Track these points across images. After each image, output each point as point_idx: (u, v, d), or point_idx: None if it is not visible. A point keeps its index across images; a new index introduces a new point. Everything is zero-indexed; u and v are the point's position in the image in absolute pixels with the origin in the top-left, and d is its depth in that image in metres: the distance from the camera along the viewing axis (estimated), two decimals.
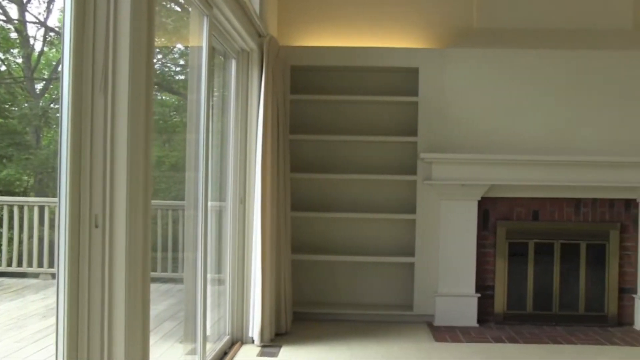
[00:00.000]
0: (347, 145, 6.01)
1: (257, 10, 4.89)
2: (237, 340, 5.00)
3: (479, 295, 5.70)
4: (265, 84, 4.90)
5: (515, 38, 5.86)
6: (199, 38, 3.86)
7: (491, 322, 5.77)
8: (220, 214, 4.86)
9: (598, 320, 5.78)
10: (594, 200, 5.79)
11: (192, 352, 4.04)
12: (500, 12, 5.93)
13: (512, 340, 5.26)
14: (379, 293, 6.00)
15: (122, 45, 2.32)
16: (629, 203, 5.79)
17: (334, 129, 6.00)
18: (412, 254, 5.82)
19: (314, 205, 6.01)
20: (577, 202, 5.79)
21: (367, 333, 5.37)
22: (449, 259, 5.69)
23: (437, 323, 5.67)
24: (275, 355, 4.73)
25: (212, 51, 4.05)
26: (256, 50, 4.98)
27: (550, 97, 5.77)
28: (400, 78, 5.98)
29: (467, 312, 5.67)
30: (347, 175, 5.87)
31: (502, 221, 5.76)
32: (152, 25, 2.49)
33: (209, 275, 4.64)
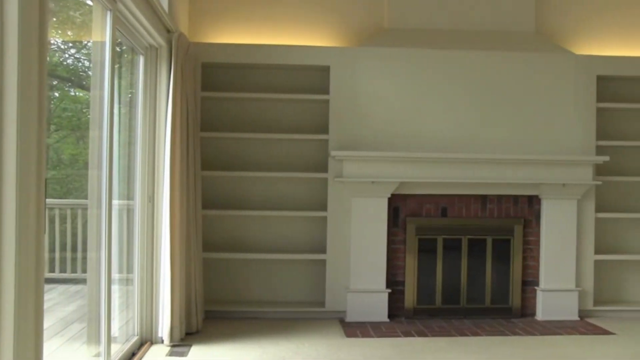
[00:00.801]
0: (260, 143, 6.00)
1: (166, 6, 4.82)
2: (147, 340, 4.91)
3: (389, 290, 5.79)
4: (174, 80, 4.83)
5: (425, 38, 5.98)
6: (102, 33, 3.77)
7: (402, 316, 5.88)
8: (128, 213, 4.76)
9: (503, 312, 5.97)
10: (500, 196, 5.98)
11: (98, 354, 3.94)
12: (411, 12, 6.05)
13: (421, 334, 5.38)
14: (292, 290, 6.02)
15: (9, 39, 2.23)
16: (532, 199, 6.01)
17: (247, 126, 5.97)
18: (323, 251, 5.87)
19: (227, 203, 5.97)
20: (484, 199, 5.97)
21: (279, 330, 5.38)
22: (360, 256, 5.76)
23: (348, 319, 5.73)
24: (185, 354, 4.67)
25: (116, 47, 3.95)
26: (165, 46, 4.90)
27: (457, 96, 5.93)
28: (312, 76, 6.01)
29: (378, 308, 5.75)
30: (260, 173, 5.86)
31: (412, 218, 5.88)
32: (44, 17, 2.40)
33: (116, 275, 4.55)
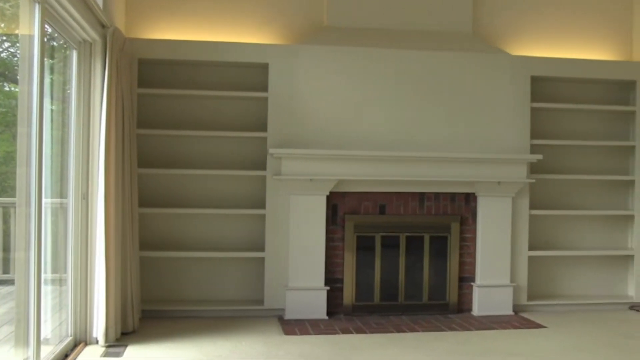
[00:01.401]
0: (198, 141, 5.94)
1: (100, 0, 4.72)
2: (81, 341, 4.81)
3: (328, 288, 5.82)
4: (109, 76, 4.74)
5: (364, 37, 6.02)
6: (30, 26, 3.67)
7: (340, 314, 5.91)
8: (61, 211, 4.66)
9: (440, 308, 6.07)
10: (437, 194, 6.06)
11: (27, 358, 3.83)
12: (350, 11, 6.08)
13: (359, 330, 5.42)
14: (230, 288, 5.99)
15: None
16: (468, 197, 6.12)
17: (185, 124, 5.91)
18: (262, 249, 5.85)
19: (165, 201, 5.90)
20: (422, 196, 6.04)
21: (217, 329, 5.34)
22: (299, 253, 5.77)
23: (287, 317, 5.73)
24: (120, 355, 4.60)
25: (45, 41, 3.85)
26: (99, 41, 4.81)
27: (396, 95, 5.99)
28: (250, 73, 5.99)
29: (316, 305, 5.77)
30: (198, 170, 5.81)
31: (351, 215, 5.91)
32: None
33: (49, 276, 4.45)
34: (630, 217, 6.54)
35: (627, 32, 6.74)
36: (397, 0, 6.16)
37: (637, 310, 6.35)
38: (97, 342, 4.80)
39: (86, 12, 4.33)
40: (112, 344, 4.79)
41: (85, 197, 4.81)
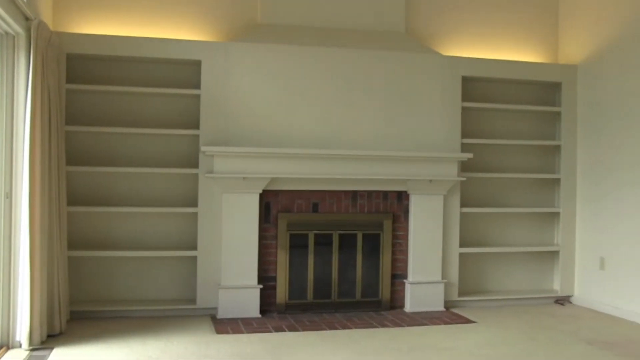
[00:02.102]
0: (129, 138, 5.84)
1: None
2: (2, 345, 4.66)
3: (261, 286, 5.80)
4: (34, 71, 4.61)
5: (298, 35, 6.03)
6: None
7: (274, 312, 5.90)
8: None
9: (373, 306, 6.12)
10: (370, 192, 6.12)
11: None
12: (284, 8, 6.08)
13: (292, 328, 5.42)
14: (162, 288, 5.91)
15: None
16: (400, 195, 6.19)
17: (115, 120, 5.79)
18: (194, 248, 5.79)
19: (95, 199, 5.78)
20: (354, 194, 6.09)
21: (148, 329, 5.26)
22: (232, 252, 5.73)
23: (220, 315, 5.69)
24: (44, 358, 4.47)
25: None
26: (23, 34, 4.66)
27: (329, 93, 6.02)
28: (183, 70, 5.92)
29: (249, 304, 5.75)
30: (129, 168, 5.70)
31: (284, 213, 5.91)
32: None
33: None
34: (557, 214, 6.74)
35: (554, 36, 6.95)
36: None
37: (562, 304, 6.55)
38: (20, 346, 4.66)
39: (7, 4, 4.18)
40: (36, 347, 4.65)
41: (8, 196, 4.66)
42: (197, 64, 5.79)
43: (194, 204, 5.81)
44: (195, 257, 5.79)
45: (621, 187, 6.07)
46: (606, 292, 6.24)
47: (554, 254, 6.76)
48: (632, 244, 5.92)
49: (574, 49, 6.76)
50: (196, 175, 5.79)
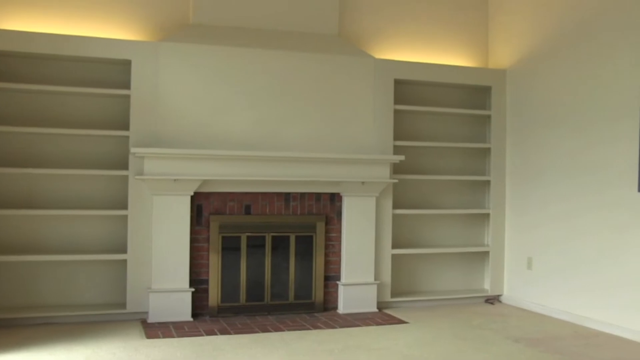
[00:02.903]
0: (56, 139, 5.68)
1: None
2: None
3: (193, 289, 5.73)
4: None
5: (230, 36, 5.98)
6: None
7: (206, 315, 5.83)
8: None
9: (306, 307, 6.12)
10: (302, 194, 6.12)
11: None
12: (216, 9, 6.02)
13: (224, 332, 5.37)
14: (90, 292, 5.76)
15: None
16: (333, 196, 6.22)
17: (41, 121, 5.63)
18: (124, 251, 5.68)
19: (19, 202, 5.59)
20: (287, 196, 6.08)
21: (75, 335, 5.13)
22: (163, 255, 5.64)
23: (150, 320, 5.59)
24: None
25: None
26: None
27: (262, 95, 5.99)
28: (112, 70, 5.80)
29: (181, 307, 5.67)
30: (56, 170, 5.54)
31: (216, 215, 5.85)
32: None
33: None
34: (487, 216, 6.89)
35: (484, 42, 7.11)
36: (264, 0, 6.17)
37: (492, 303, 6.69)
38: None
39: None
40: None
41: None
42: (127, 63, 5.68)
43: (124, 206, 5.70)
44: (125, 261, 5.67)
45: (547, 189, 6.24)
46: (534, 291, 6.40)
47: (484, 254, 6.90)
48: (558, 244, 6.09)
49: (503, 54, 6.92)
50: (126, 177, 5.68)
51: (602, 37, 5.68)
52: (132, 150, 5.50)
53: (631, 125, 5.33)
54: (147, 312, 5.65)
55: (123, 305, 5.69)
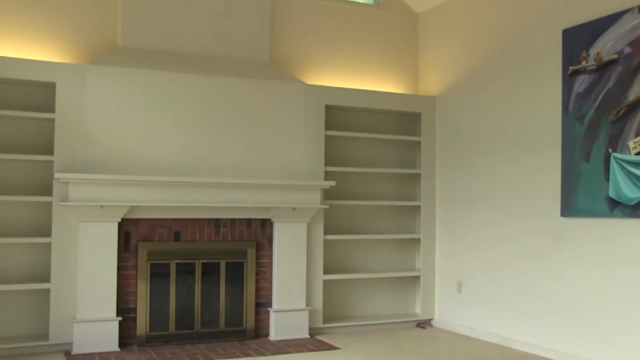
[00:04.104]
0: None
1: None
2: None
3: (120, 318, 5.56)
4: None
5: (160, 60, 5.91)
6: None
7: (134, 345, 5.67)
8: None
9: (237, 335, 6.03)
10: (233, 220, 6.05)
11: None
12: (146, 32, 5.95)
13: None
14: (11, 324, 5.51)
15: None
16: (264, 222, 6.17)
17: None
18: (47, 280, 5.48)
19: None
20: (217, 222, 6.00)
21: None
22: (88, 283, 5.47)
23: (75, 351, 5.39)
24: None
25: None
26: None
27: (192, 120, 5.93)
28: (36, 92, 5.63)
29: (107, 337, 5.49)
30: None
31: (144, 242, 5.72)
32: None
33: None
34: (417, 240, 6.96)
35: (414, 69, 7.25)
36: (195, 24, 6.14)
37: (423, 327, 6.74)
38: None
39: None
40: None
41: None
42: (52, 86, 5.54)
43: (48, 233, 5.51)
44: (48, 290, 5.48)
45: (476, 215, 6.36)
46: (464, 315, 6.48)
47: (416, 278, 6.96)
48: (486, 268, 6.20)
49: (433, 81, 7.06)
50: (50, 203, 5.51)
51: (524, 70, 5.86)
52: (56, 175, 5.33)
53: (553, 156, 5.49)
54: (71, 343, 5.45)
55: (46, 336, 5.47)
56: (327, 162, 6.51)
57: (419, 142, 7.00)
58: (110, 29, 5.95)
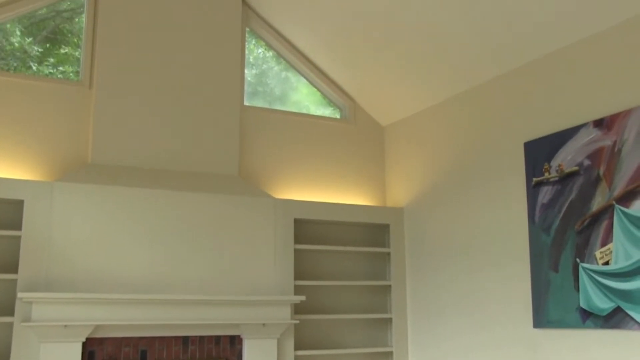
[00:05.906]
0: None
1: None
2: None
3: None
4: None
5: (130, 176, 5.93)
6: None
7: None
8: None
9: None
10: (202, 337, 5.90)
11: None
12: (116, 149, 5.99)
13: None
14: None
15: None
16: (233, 339, 6.02)
17: None
18: None
19: None
20: (185, 340, 5.84)
21: None
22: None
23: None
24: None
25: None
26: None
27: (160, 236, 5.88)
28: (2, 210, 5.56)
29: None
30: None
31: None
32: None
33: None
34: (390, 354, 6.84)
35: (381, 182, 7.37)
36: (165, 141, 6.20)
37: None
38: None
39: None
40: None
41: None
42: (20, 203, 5.49)
43: (6, 357, 5.29)
44: None
45: (447, 325, 6.30)
46: None
47: None
48: None
49: (400, 193, 7.17)
50: (11, 324, 5.32)
51: (490, 181, 5.99)
52: (20, 295, 5.18)
53: (522, 266, 5.53)
54: None
55: None
56: (297, 276, 6.46)
57: (388, 254, 7.02)
58: (81, 146, 5.98)
